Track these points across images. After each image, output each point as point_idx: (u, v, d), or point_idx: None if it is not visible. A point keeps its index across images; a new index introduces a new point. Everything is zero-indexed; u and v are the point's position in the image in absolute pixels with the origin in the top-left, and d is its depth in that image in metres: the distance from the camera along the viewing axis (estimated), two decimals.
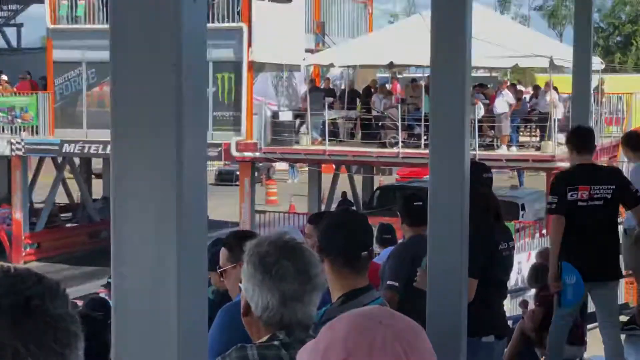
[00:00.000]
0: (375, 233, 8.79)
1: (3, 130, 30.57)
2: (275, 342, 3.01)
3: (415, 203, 6.76)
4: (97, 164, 38.08)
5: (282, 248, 3.09)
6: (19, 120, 30.50)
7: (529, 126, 27.53)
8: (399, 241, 8.97)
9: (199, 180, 2.41)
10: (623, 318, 10.63)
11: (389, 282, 6.48)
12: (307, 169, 35.24)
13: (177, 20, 2.27)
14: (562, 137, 23.88)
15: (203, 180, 2.47)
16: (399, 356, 1.58)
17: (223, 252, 4.79)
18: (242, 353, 3.00)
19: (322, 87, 30.23)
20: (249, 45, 28.26)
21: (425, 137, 25.36)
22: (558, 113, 25.48)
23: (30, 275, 1.24)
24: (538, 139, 26.76)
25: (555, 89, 26.51)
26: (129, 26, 2.32)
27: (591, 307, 11.40)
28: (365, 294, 3.98)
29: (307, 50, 30.40)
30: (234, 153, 28.10)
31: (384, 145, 27.29)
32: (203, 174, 2.47)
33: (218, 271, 4.74)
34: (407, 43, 25.74)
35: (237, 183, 32.52)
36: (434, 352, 1.66)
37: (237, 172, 43.02)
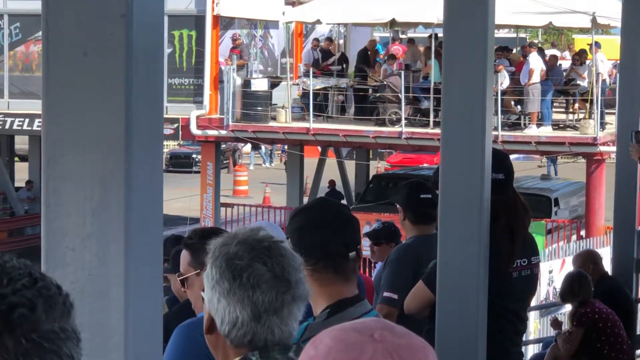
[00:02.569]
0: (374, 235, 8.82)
1: None
2: None
3: (422, 195, 6.66)
4: (22, 144, 38.10)
5: (255, 248, 3.05)
6: None
7: (565, 100, 27.37)
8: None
9: (153, 162, 2.41)
10: None
11: (385, 294, 6.38)
12: (280, 152, 35.33)
13: None
14: (607, 116, 23.96)
15: (157, 158, 2.48)
16: None
17: (184, 256, 4.77)
18: None
19: (308, 48, 30.14)
20: None
21: (434, 114, 25.30)
22: (603, 84, 25.41)
23: (20, 274, 1.23)
24: (576, 116, 26.66)
25: (600, 53, 26.53)
26: None
27: None
28: (355, 304, 3.95)
29: (288, 3, 30.35)
30: (194, 131, 28.01)
31: (382, 123, 27.25)
32: (159, 150, 2.47)
33: (179, 279, 4.73)
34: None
35: (196, 169, 32.42)
36: None
37: (195, 155, 43.44)
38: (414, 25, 30.42)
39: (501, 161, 5.64)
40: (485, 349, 4.80)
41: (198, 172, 30.63)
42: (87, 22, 2.29)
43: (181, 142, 36.50)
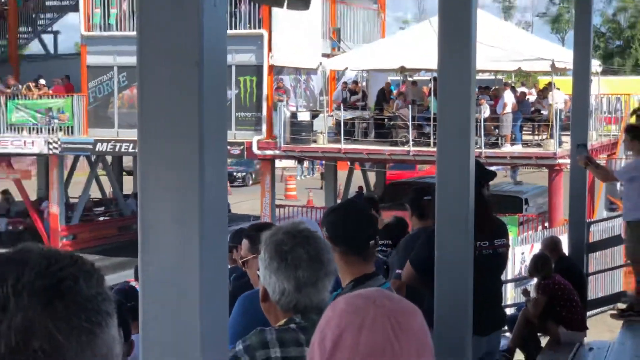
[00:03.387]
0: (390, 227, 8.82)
1: (41, 131, 30.71)
2: (292, 326, 3.02)
3: (425, 197, 6.66)
4: (127, 162, 38.32)
5: (296, 237, 3.10)
6: (56, 121, 30.63)
7: (532, 125, 27.40)
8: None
9: (220, 174, 2.41)
10: (621, 305, 10.66)
11: (397, 271, 6.39)
12: (319, 166, 35.53)
13: (199, 22, 2.27)
14: (563, 136, 23.99)
15: (223, 172, 2.47)
16: (387, 334, 1.59)
17: (244, 243, 4.79)
18: (262, 336, 3.01)
19: (339, 89, 30.25)
20: (269, 50, 28.32)
21: (434, 136, 25.47)
22: (560, 113, 25.53)
23: (64, 257, 1.22)
24: (540, 137, 26.75)
25: (558, 89, 26.69)
26: (155, 29, 2.32)
27: (592, 294, 11.40)
28: (373, 279, 3.99)
29: (324, 55, 30.38)
30: (256, 151, 28.14)
31: (395, 143, 27.27)
32: (224, 166, 2.47)
33: (240, 261, 4.74)
34: (417, 48, 25.78)
35: (237, 184, 33.17)
36: (428, 333, 1.67)
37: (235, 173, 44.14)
38: (418, 70, 30.37)
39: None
40: (472, 311, 4.78)
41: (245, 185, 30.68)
42: (170, 68, 2.30)
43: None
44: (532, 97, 29.31)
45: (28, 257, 1.20)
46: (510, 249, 7.16)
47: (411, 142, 26.62)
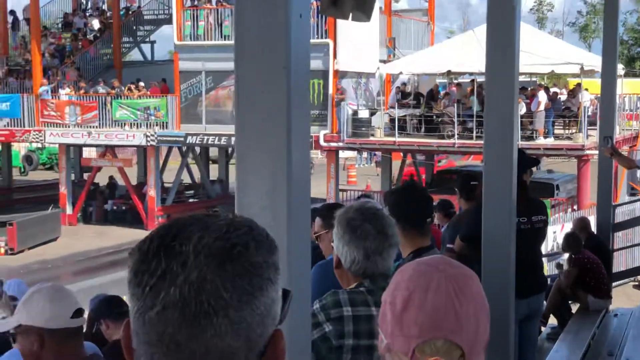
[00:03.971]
0: (438, 208, 8.83)
1: (140, 126, 31.10)
2: (362, 289, 3.04)
3: (471, 182, 6.66)
4: (213, 152, 38.58)
5: (365, 214, 3.12)
6: (153, 118, 30.99)
7: (563, 121, 27.09)
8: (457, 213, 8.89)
9: (304, 159, 2.43)
10: None
11: (448, 246, 6.40)
12: (375, 156, 35.58)
13: (287, 31, 2.29)
14: (590, 130, 23.71)
15: (307, 159, 2.49)
16: (449, 296, 1.59)
17: (317, 221, 4.82)
18: (335, 297, 3.04)
19: (394, 91, 30.18)
20: (334, 57, 28.35)
21: (476, 131, 25.38)
22: (588, 110, 25.30)
23: (243, 225, 1.22)
24: (570, 131, 26.46)
25: (586, 90, 26.40)
26: (249, 38, 2.35)
27: (616, 268, 11.24)
28: (429, 251, 4.00)
29: (381, 61, 30.36)
30: (322, 143, 28.20)
31: (442, 137, 27.14)
32: (307, 154, 2.49)
33: (314, 236, 4.77)
34: (462, 54, 25.64)
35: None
36: (484, 296, 1.67)
37: None
38: (463, 73, 30.18)
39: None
40: (514, 278, 4.77)
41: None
42: (262, 72, 2.32)
43: None
44: (563, 97, 28.99)
45: (212, 221, 1.20)
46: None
47: (456, 136, 26.53)
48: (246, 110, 2.36)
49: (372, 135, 28.30)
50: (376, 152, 34.64)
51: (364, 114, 29.19)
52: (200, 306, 1.14)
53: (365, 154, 45.57)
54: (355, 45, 28.76)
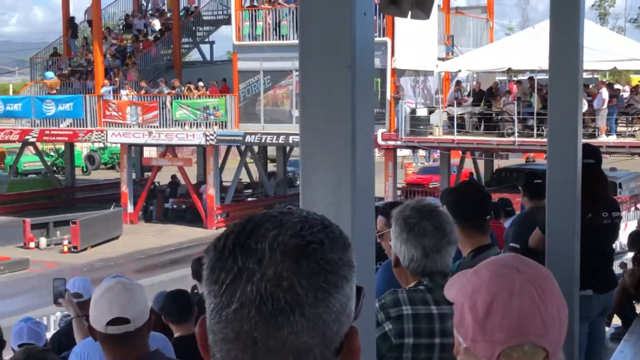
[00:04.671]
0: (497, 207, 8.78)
1: (199, 125, 31.37)
2: (421, 287, 3.03)
3: (535, 180, 6.60)
4: (271, 151, 38.74)
5: (422, 211, 3.11)
6: (212, 117, 31.22)
7: (626, 118, 26.66)
8: (518, 212, 8.82)
9: (368, 157, 2.43)
10: None
11: (511, 244, 6.34)
12: (434, 153, 35.41)
13: (351, 30, 2.29)
14: None
15: (371, 157, 2.49)
16: (534, 299, 1.57)
17: (380, 219, 4.80)
18: (395, 296, 3.03)
19: (453, 89, 29.99)
20: (392, 55, 28.29)
21: (537, 129, 25.17)
22: None
23: (317, 223, 1.21)
24: (633, 129, 26.04)
25: None
26: (314, 36, 2.35)
27: None
28: (490, 249, 3.97)
29: (439, 59, 30.23)
30: (380, 142, 28.12)
31: (502, 135, 26.90)
32: (371, 152, 2.49)
33: (377, 234, 4.76)
34: (522, 51, 25.38)
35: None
36: (561, 294, 1.64)
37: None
38: (523, 71, 29.82)
39: (592, 151, 5.94)
40: (579, 270, 4.73)
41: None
42: (327, 71, 2.32)
43: None
44: (625, 94, 28.51)
45: (287, 219, 1.20)
46: None
47: (516, 134, 26.24)
48: (311, 109, 2.36)
49: (431, 133, 28.18)
50: (434, 151, 34.46)
51: (422, 112, 29.03)
52: (276, 303, 1.15)
53: (422, 153, 45.40)
54: (414, 43, 28.65)
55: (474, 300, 1.61)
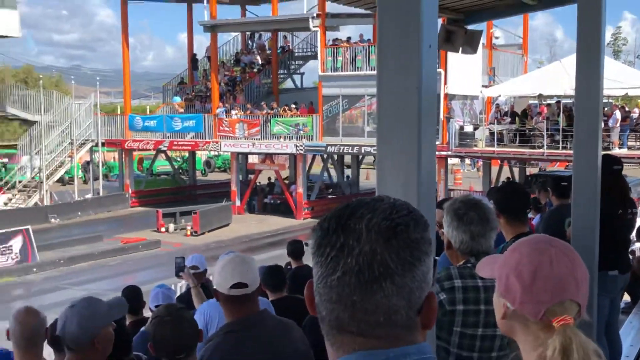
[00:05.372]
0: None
1: (291, 138, 31.55)
2: (469, 265, 3.00)
3: (562, 183, 6.47)
4: (347, 159, 38.74)
5: (468, 203, 3.07)
6: (301, 132, 31.37)
7: (635, 134, 26.06)
8: (547, 209, 8.62)
9: (431, 161, 2.40)
10: None
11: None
12: (478, 162, 35.08)
13: (419, 59, 2.26)
14: None
15: (433, 161, 2.45)
16: (568, 266, 1.56)
17: (438, 212, 4.76)
18: (448, 271, 3.00)
19: (493, 110, 29.54)
20: (445, 82, 28.00)
21: (562, 142, 24.80)
22: None
23: (403, 208, 1.20)
24: None
25: None
26: (389, 64, 2.33)
27: None
28: (528, 236, 3.91)
29: (483, 86, 29.84)
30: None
31: (533, 147, 26.39)
32: (433, 157, 2.45)
33: (437, 225, 4.72)
34: (550, 80, 24.89)
35: None
36: (585, 266, 1.62)
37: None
38: (551, 96, 29.22)
39: (618, 160, 5.90)
40: (598, 256, 4.61)
41: None
42: (400, 92, 2.30)
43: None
44: (634, 115, 27.77)
45: (379, 205, 1.20)
46: None
47: (545, 146, 25.74)
48: (386, 123, 2.34)
49: (475, 145, 27.81)
50: (478, 159, 33.97)
51: (468, 128, 28.76)
52: (372, 273, 1.14)
53: (467, 161, 44.83)
54: (463, 73, 28.33)
55: (518, 270, 1.58)
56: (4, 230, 23.47)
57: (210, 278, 6.53)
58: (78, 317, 2.87)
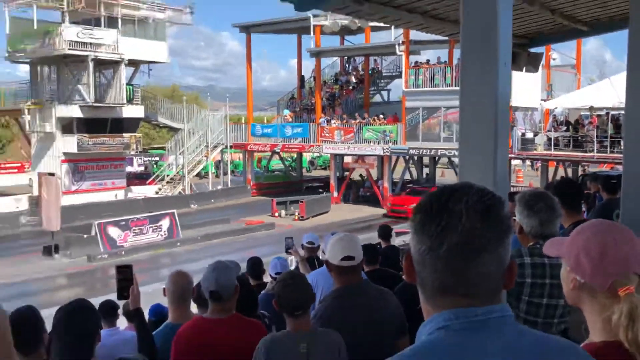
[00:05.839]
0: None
1: (379, 143, 31.36)
2: (537, 246, 2.92)
3: (612, 181, 6.16)
4: (425, 160, 38.22)
5: (537, 196, 3.00)
6: (388, 137, 31.14)
7: None
8: (596, 202, 8.22)
9: (504, 160, 2.36)
10: None
11: None
12: (537, 163, 33.82)
13: (496, 76, 2.23)
14: None
15: (506, 162, 2.41)
16: (630, 243, 1.52)
17: (510, 204, 4.67)
18: (519, 251, 2.94)
19: (551, 120, 28.42)
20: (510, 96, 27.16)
21: (610, 147, 23.62)
22: None
23: (489, 191, 1.20)
24: None
25: None
26: (470, 81, 2.31)
27: None
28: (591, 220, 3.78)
29: (542, 100, 28.76)
30: None
31: (585, 151, 25.25)
32: (506, 156, 2.41)
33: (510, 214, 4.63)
34: (600, 95, 23.73)
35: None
36: None
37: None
38: (600, 108, 27.84)
39: None
40: None
41: None
42: (479, 104, 2.27)
43: None
44: None
45: (470, 190, 1.19)
46: None
47: (595, 150, 24.56)
48: (468, 129, 2.32)
49: (535, 149, 26.88)
50: (537, 161, 32.82)
51: (529, 135, 27.77)
52: (473, 246, 1.14)
53: (528, 162, 43.32)
54: (525, 89, 27.37)
55: (587, 249, 1.54)
56: (155, 213, 24.50)
57: (319, 253, 6.60)
58: (226, 273, 3.02)
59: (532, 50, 8.55)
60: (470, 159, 2.30)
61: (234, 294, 3.05)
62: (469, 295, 1.16)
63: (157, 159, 42.69)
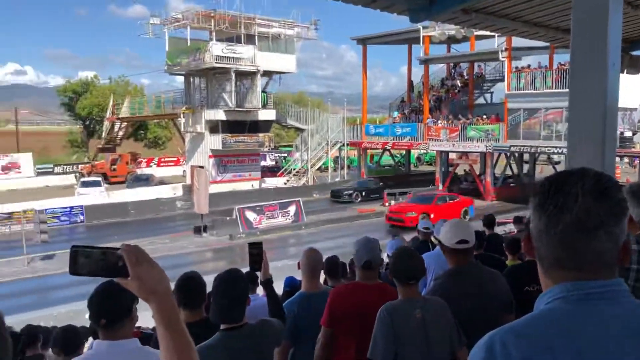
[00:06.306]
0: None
1: (482, 140, 30.22)
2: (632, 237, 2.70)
3: None
4: (525, 157, 36.35)
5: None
6: (490, 136, 29.95)
7: None
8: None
9: (611, 156, 2.22)
10: None
11: None
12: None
13: (606, 76, 2.11)
14: None
15: (614, 156, 2.27)
16: None
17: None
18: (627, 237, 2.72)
19: None
20: None
21: None
22: None
23: (605, 175, 1.16)
24: None
25: None
26: (581, 83, 2.20)
27: None
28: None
29: None
30: None
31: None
32: (614, 152, 2.27)
33: None
34: None
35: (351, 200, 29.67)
36: None
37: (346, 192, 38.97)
38: None
39: None
40: None
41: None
42: (589, 101, 2.15)
43: None
44: None
45: (586, 173, 1.16)
46: None
47: None
48: (576, 127, 2.21)
49: (634, 147, 24.68)
50: (635, 158, 30.13)
51: (627, 134, 25.58)
52: (588, 225, 1.11)
53: (626, 159, 39.86)
54: (624, 89, 25.16)
55: None
56: (284, 200, 25.35)
57: (432, 238, 6.52)
58: (374, 247, 3.22)
59: (633, 53, 7.88)
60: (577, 153, 2.20)
61: (380, 264, 3.20)
62: (583, 270, 1.13)
63: (285, 155, 44.04)
